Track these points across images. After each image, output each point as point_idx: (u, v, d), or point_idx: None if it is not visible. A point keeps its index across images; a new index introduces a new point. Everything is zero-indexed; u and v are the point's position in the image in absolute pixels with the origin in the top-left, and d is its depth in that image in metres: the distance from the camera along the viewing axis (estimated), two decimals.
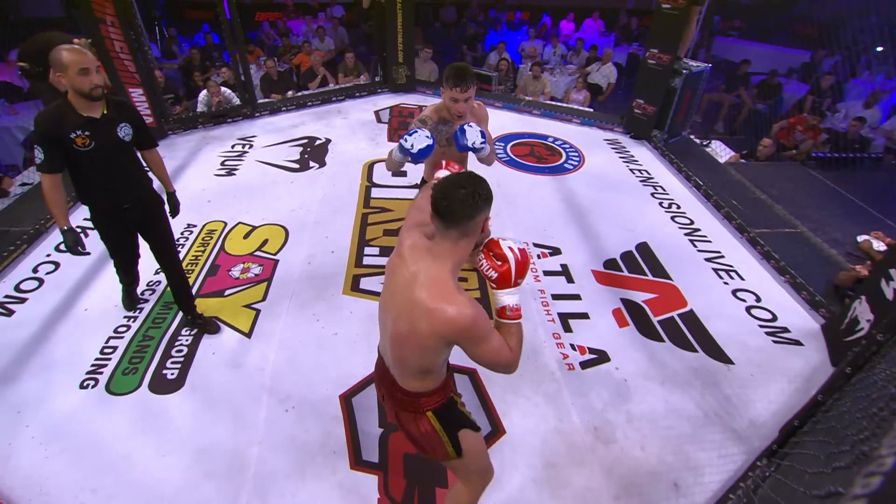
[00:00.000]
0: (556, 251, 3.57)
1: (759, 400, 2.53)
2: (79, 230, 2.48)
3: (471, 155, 2.42)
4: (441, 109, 2.36)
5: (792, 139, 5.62)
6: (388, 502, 2.02)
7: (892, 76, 7.02)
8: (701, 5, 4.73)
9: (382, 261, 3.41)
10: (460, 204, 1.19)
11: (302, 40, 8.56)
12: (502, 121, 5.97)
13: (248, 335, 2.81)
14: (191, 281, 3.17)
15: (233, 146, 5.14)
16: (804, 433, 2.08)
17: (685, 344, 2.83)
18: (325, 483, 2.09)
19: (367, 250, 3.52)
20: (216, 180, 4.45)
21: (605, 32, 10.08)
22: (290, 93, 6.44)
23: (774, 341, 2.88)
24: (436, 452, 1.53)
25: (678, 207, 4.24)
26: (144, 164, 2.46)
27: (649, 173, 4.83)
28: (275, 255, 3.47)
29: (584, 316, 3.00)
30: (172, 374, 2.56)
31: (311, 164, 4.81)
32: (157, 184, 2.53)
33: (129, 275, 2.78)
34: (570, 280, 3.29)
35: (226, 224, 3.78)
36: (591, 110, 6.33)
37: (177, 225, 3.72)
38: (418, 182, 4.37)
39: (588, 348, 2.76)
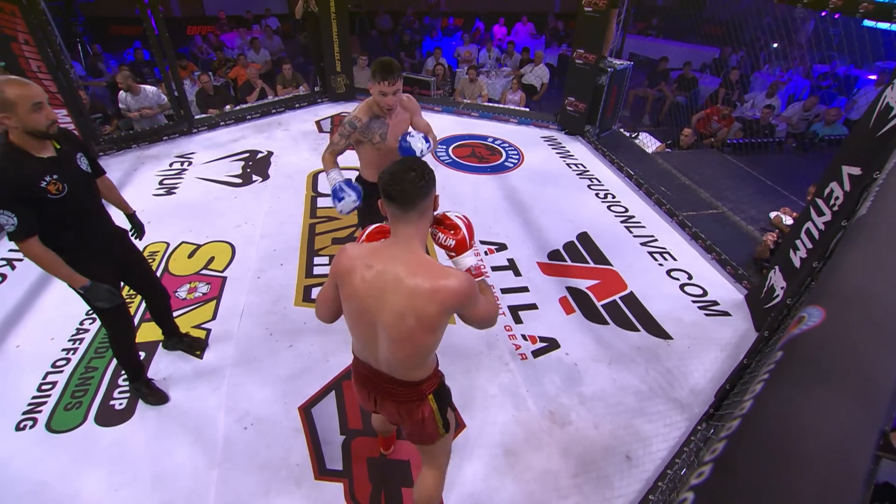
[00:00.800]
0: (502, 247, 3.70)
1: (696, 370, 2.74)
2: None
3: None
4: (371, 106, 2.41)
5: (709, 128, 6.09)
6: None
7: (786, 69, 7.76)
8: (619, 7, 5.04)
9: None
10: (413, 186, 1.24)
11: (237, 53, 8.35)
12: (443, 124, 6.08)
13: (200, 356, 2.74)
14: (133, 307, 3.05)
15: (171, 164, 4.95)
16: (735, 394, 2.30)
17: (628, 324, 3.02)
18: (290, 497, 2.08)
19: (317, 260, 3.51)
20: (155, 200, 4.28)
21: (535, 35, 10.46)
22: (227, 107, 6.27)
23: (706, 314, 3.13)
24: (429, 436, 1.57)
25: (613, 197, 4.50)
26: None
27: (585, 166, 5.09)
28: (222, 272, 3.39)
29: (533, 307, 3.14)
30: (121, 403, 2.46)
31: (255, 177, 4.72)
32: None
33: (132, 350, 2.39)
34: (517, 273, 3.42)
35: (168, 244, 3.65)
36: (527, 110, 6.57)
37: None
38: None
39: (539, 337, 2.90)
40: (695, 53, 8.44)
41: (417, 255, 1.31)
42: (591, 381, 2.65)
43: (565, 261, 3.58)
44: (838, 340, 0.73)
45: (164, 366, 2.67)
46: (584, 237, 3.86)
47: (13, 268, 3.45)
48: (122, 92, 5.41)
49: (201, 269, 3.41)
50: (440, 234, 1.48)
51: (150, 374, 2.60)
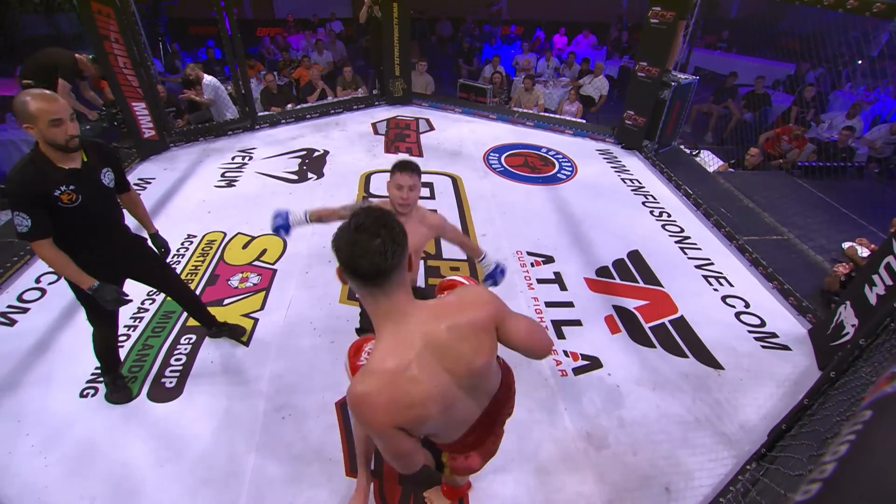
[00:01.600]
0: (549, 259, 3.63)
1: (748, 404, 2.57)
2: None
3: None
4: (386, 206, 2.17)
5: (778, 148, 5.74)
6: None
7: (872, 88, 7.20)
8: (687, 20, 4.86)
9: None
10: (381, 257, 1.01)
11: (301, 54, 8.70)
12: (497, 132, 6.08)
13: (247, 344, 2.85)
14: None
15: (233, 158, 5.22)
16: (791, 436, 2.14)
17: (676, 350, 2.89)
18: (321, 490, 2.12)
19: None
20: (216, 192, 4.51)
21: (596, 46, 10.28)
22: (289, 106, 6.54)
23: (763, 346, 2.94)
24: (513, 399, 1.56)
25: (669, 216, 4.33)
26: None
27: (640, 182, 4.92)
28: (273, 264, 3.52)
29: (577, 323, 3.06)
30: (171, 382, 2.60)
31: (310, 175, 4.88)
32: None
33: (114, 350, 2.46)
34: (563, 288, 3.35)
35: (225, 234, 3.84)
36: (584, 121, 6.44)
37: (177, 236, 3.79)
38: None
39: (581, 354, 2.81)
40: (767, 69, 7.99)
41: (423, 304, 1.14)
42: (633, 404, 2.55)
43: (614, 278, 3.47)
44: None
45: (210, 351, 2.80)
46: (635, 255, 3.72)
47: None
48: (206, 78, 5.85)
49: (253, 261, 3.55)
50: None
51: (198, 359, 2.73)
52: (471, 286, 1.24)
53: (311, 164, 5.12)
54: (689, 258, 3.74)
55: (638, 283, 3.44)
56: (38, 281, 3.32)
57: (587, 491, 2.15)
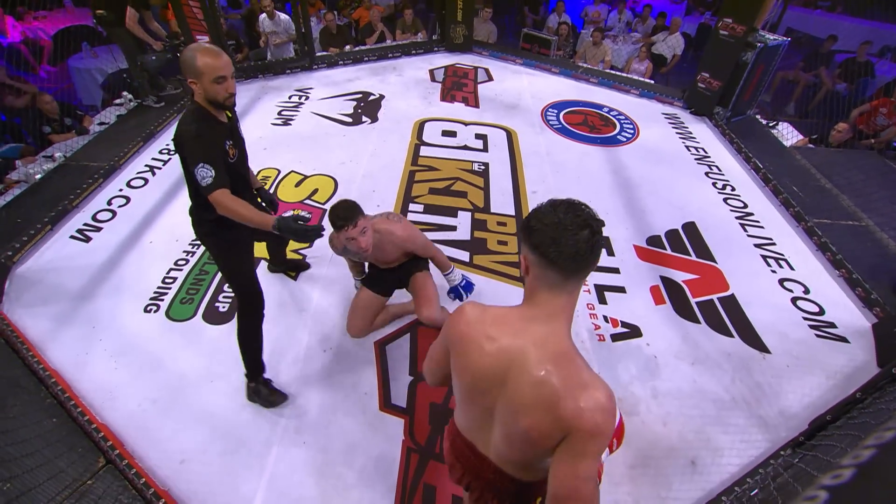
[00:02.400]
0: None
1: (792, 391, 2.48)
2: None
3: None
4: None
5: (873, 124, 5.18)
6: (412, 445, 2.16)
7: None
8: None
9: (426, 218, 3.49)
10: (588, 247, 0.92)
11: None
12: (558, 87, 5.81)
13: (295, 278, 2.98)
14: None
15: (290, 97, 5.28)
16: (836, 427, 2.05)
17: (722, 328, 2.79)
18: (355, 420, 2.25)
19: (412, 206, 3.60)
20: (272, 129, 4.61)
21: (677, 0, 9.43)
22: (347, 47, 6.48)
23: (817, 335, 2.79)
24: None
25: (732, 189, 4.06)
26: None
27: (706, 151, 4.62)
28: (323, 204, 3.61)
29: (621, 290, 2.99)
30: (224, 307, 2.78)
31: (364, 118, 4.88)
32: None
33: (260, 350, 2.26)
34: (610, 253, 3.26)
35: (279, 171, 3.95)
36: (652, 82, 6.03)
37: None
38: (468, 144, 4.39)
39: (621, 321, 2.77)
40: (875, 33, 7.06)
41: (559, 338, 0.98)
42: (669, 377, 2.51)
43: (665, 248, 3.34)
44: None
45: (260, 281, 2.94)
46: (690, 227, 3.55)
47: (153, 174, 3.93)
48: (262, 14, 5.82)
49: (305, 199, 3.65)
50: None
51: None
52: (602, 393, 0.94)
53: (366, 107, 5.11)
54: (748, 236, 3.53)
55: (690, 255, 3.30)
56: (109, 203, 3.57)
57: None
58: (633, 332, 2.72)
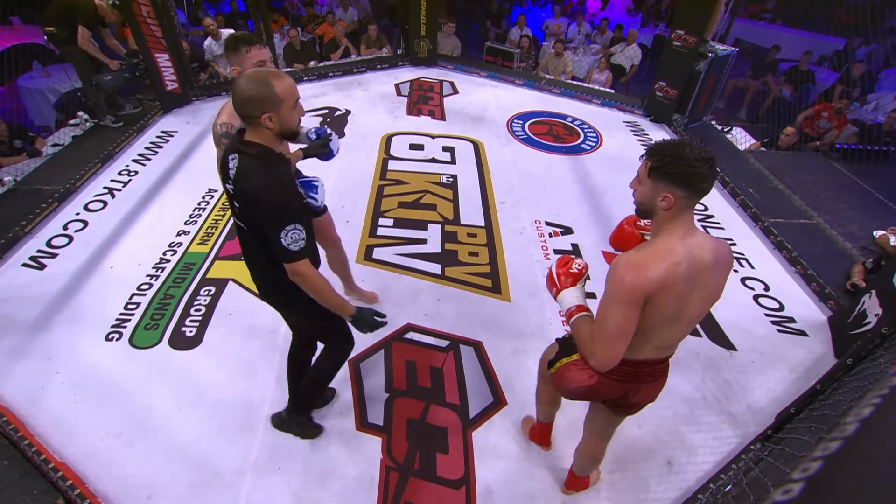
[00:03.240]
0: (567, 230, 3.59)
1: (758, 387, 2.57)
2: None
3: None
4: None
5: (817, 128, 5.49)
6: (391, 463, 2.12)
7: None
8: None
9: (396, 231, 3.48)
10: (715, 172, 1.22)
11: (326, 10, 8.50)
12: (522, 99, 5.92)
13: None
14: (210, 244, 3.29)
15: None
16: (800, 420, 2.13)
17: None
18: (331, 441, 2.20)
19: (382, 221, 3.59)
20: None
21: (632, 12, 9.80)
22: (312, 63, 6.45)
23: (779, 330, 2.90)
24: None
25: None
26: None
27: None
28: None
29: (592, 295, 3.03)
30: (191, 331, 2.69)
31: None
32: None
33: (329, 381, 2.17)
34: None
35: None
36: (613, 91, 6.22)
37: (198, 190, 3.84)
38: (435, 157, 4.40)
39: None
40: (813, 43, 7.53)
41: (706, 235, 1.33)
42: None
43: None
44: None
45: (229, 302, 2.87)
46: None
47: (112, 196, 3.80)
48: (207, 40, 5.70)
49: None
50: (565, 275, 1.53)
51: (217, 310, 2.81)
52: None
53: (333, 123, 5.08)
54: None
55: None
56: (65, 228, 3.42)
57: None
58: None
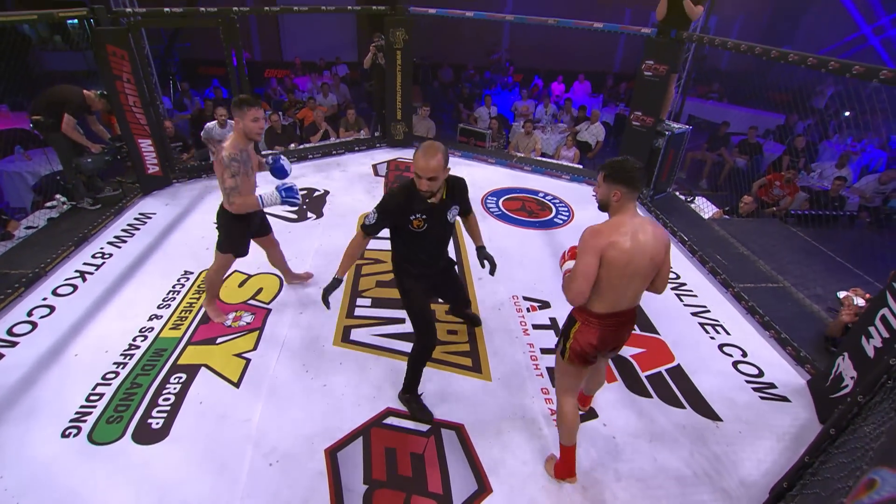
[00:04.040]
0: (545, 305, 3.62)
1: (748, 458, 2.51)
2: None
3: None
4: (240, 139, 2.80)
5: (771, 195, 5.84)
6: None
7: (860, 139, 7.41)
8: (679, 73, 5.05)
9: (374, 312, 3.45)
10: (642, 175, 1.91)
11: (307, 96, 8.97)
12: (495, 176, 6.19)
13: (237, 385, 2.80)
14: (183, 328, 3.20)
15: None
16: (793, 496, 2.08)
17: (673, 400, 2.84)
18: None
19: (360, 301, 3.57)
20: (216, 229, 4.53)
21: (593, 94, 10.62)
22: (292, 145, 6.68)
23: (761, 397, 2.90)
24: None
25: None
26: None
27: None
28: (268, 303, 3.51)
29: None
30: (157, 423, 2.54)
31: (310, 214, 4.93)
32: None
33: (424, 365, 2.65)
34: (559, 334, 3.31)
35: None
36: (581, 167, 6.58)
37: (174, 272, 3.79)
38: None
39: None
40: (757, 119, 8.25)
41: (646, 218, 1.95)
42: (630, 457, 2.48)
43: None
44: None
45: (200, 390, 2.74)
46: None
47: (84, 280, 3.71)
48: (211, 123, 5.91)
49: (248, 300, 3.54)
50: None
51: (187, 399, 2.68)
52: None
53: (312, 203, 5.18)
54: (685, 305, 3.74)
55: (634, 329, 3.40)
56: (29, 314, 3.30)
57: None
58: (590, 413, 2.72)
